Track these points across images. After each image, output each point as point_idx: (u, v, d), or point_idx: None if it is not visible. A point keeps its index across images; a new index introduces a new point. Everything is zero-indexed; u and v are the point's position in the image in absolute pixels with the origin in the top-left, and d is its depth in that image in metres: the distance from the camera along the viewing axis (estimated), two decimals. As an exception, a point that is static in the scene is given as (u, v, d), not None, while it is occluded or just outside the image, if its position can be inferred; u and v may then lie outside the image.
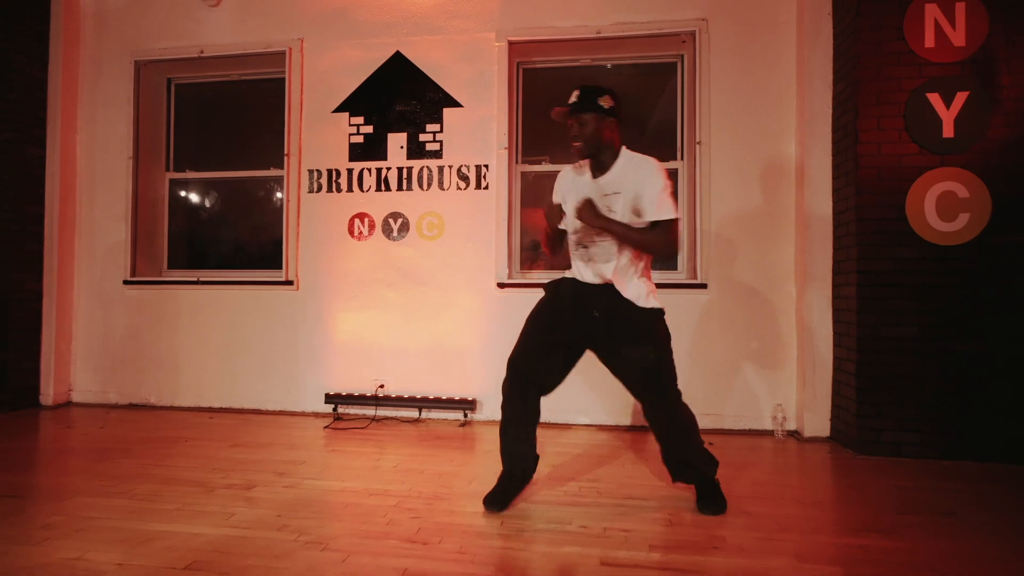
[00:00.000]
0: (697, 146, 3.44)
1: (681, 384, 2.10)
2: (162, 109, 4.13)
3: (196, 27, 3.88)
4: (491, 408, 3.53)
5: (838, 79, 3.14)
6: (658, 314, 2.07)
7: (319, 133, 3.76)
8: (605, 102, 2.00)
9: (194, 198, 4.24)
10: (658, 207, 1.97)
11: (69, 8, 3.88)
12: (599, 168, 2.08)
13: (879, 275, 2.88)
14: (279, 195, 4.03)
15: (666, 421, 2.10)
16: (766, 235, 3.36)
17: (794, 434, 3.26)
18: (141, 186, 3.97)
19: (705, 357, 3.35)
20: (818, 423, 3.16)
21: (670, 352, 2.08)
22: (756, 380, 3.34)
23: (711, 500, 2.09)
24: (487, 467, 2.58)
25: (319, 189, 3.75)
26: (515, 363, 2.10)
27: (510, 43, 3.58)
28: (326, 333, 3.69)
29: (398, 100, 3.69)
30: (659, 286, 3.48)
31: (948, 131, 2.85)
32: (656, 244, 2.01)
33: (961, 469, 2.63)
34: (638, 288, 2.05)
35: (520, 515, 2.02)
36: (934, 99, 2.86)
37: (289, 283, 3.73)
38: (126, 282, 3.89)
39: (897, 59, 2.90)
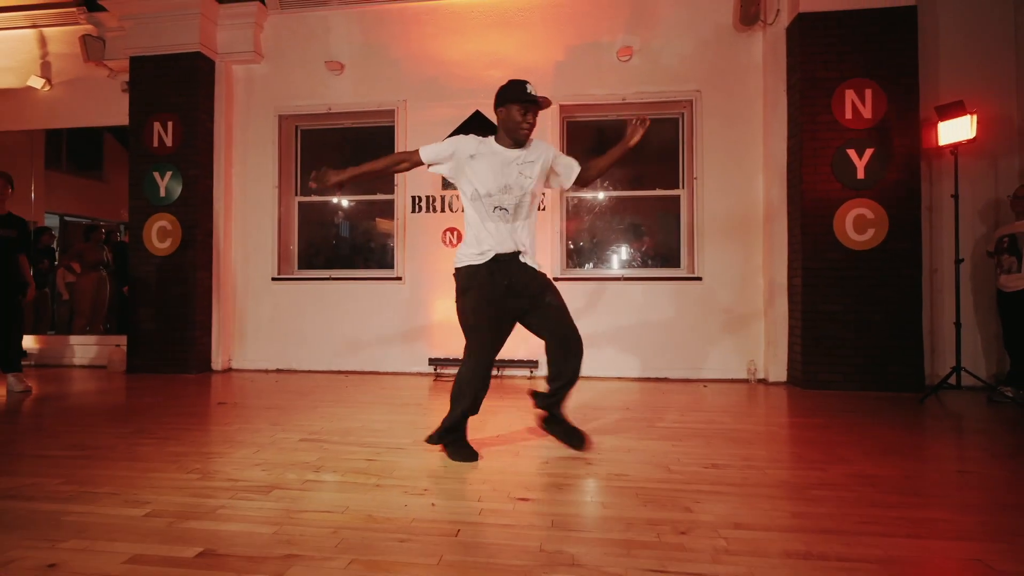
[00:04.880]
0: (694, 180, 4.87)
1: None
2: (292, 149, 5.47)
3: (324, 89, 5.23)
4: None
5: (790, 136, 4.59)
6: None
7: (418, 169, 5.10)
8: None
9: (317, 216, 5.57)
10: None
11: (227, 76, 5.22)
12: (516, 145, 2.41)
13: (816, 271, 4.32)
14: (386, 213, 5.39)
15: (580, 352, 2.51)
16: (743, 243, 4.80)
17: (762, 380, 4.69)
18: (280, 207, 5.32)
19: (700, 328, 4.77)
20: (778, 371, 4.60)
21: None
22: (735, 343, 4.76)
23: (574, 434, 2.69)
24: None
25: (419, 210, 5.12)
26: (489, 359, 2.44)
27: (561, 106, 4.98)
28: (427, 315, 5.06)
29: (477, 145, 5.07)
30: (665, 279, 4.89)
31: (861, 174, 4.30)
32: None
33: (864, 396, 4.07)
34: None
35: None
36: (851, 153, 4.32)
37: (399, 279, 5.09)
38: (273, 279, 5.23)
39: (827, 126, 4.35)
